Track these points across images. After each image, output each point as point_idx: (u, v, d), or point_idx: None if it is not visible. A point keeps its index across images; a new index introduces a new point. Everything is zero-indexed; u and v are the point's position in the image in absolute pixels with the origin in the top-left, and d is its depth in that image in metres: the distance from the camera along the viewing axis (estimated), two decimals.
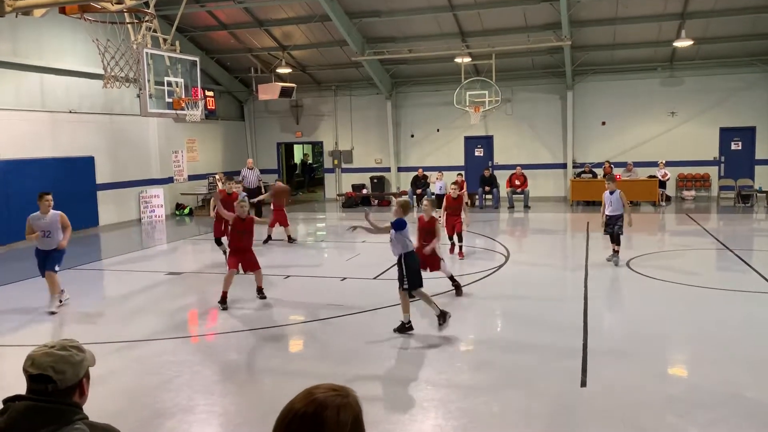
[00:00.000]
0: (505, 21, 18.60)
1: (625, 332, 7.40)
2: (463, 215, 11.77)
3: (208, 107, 20.85)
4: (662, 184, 19.87)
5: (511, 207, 19.93)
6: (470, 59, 19.99)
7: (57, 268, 8.58)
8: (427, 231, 8.87)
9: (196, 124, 18.96)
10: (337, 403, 1.64)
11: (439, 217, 11.12)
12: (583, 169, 20.71)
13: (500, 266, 11.13)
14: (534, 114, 21.88)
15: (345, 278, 10.43)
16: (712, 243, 13.09)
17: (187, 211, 20.33)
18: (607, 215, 10.86)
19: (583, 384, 5.74)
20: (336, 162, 24.24)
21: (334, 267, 12.00)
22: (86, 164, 16.70)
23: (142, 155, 19.11)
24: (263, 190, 20.43)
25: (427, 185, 20.92)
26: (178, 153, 20.75)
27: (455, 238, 11.92)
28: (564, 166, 21.71)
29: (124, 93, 15.84)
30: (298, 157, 31.29)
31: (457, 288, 9.03)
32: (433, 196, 18.00)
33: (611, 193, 10.79)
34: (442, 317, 7.23)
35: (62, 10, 9.61)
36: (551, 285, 9.92)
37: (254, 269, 8.97)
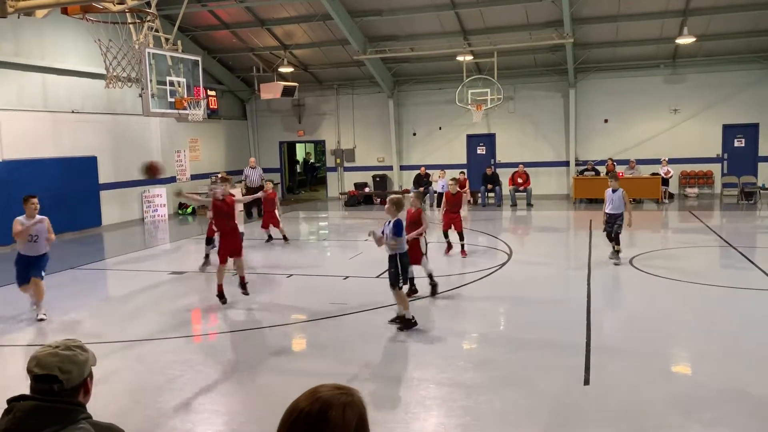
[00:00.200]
0: (507, 18, 18.57)
1: (628, 330, 7.39)
2: (462, 212, 11.74)
3: (211, 107, 20.85)
4: (665, 182, 19.82)
5: (514, 205, 19.91)
6: (472, 57, 19.97)
7: (43, 274, 8.38)
8: (414, 222, 8.81)
9: (198, 124, 18.98)
10: (342, 402, 1.64)
11: (440, 209, 11.22)
12: (585, 167, 20.68)
13: (503, 264, 11.12)
14: (536, 112, 21.85)
15: (347, 277, 10.44)
16: (715, 240, 13.06)
17: (189, 210, 20.35)
18: (607, 213, 10.85)
19: (587, 382, 5.74)
20: (338, 161, 24.25)
21: (337, 265, 12.00)
22: (89, 164, 16.73)
23: (145, 155, 19.07)
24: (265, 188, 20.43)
25: (430, 183, 20.92)
26: (180, 152, 20.76)
27: (456, 237, 11.89)
28: (566, 163, 21.69)
29: (126, 93, 15.85)
30: (300, 156, 31.28)
31: (434, 287, 8.84)
32: (435, 194, 18.02)
33: (614, 191, 10.78)
34: (405, 322, 7.33)
35: (64, 11, 9.62)
36: (554, 283, 9.91)
37: (237, 255, 9.03)
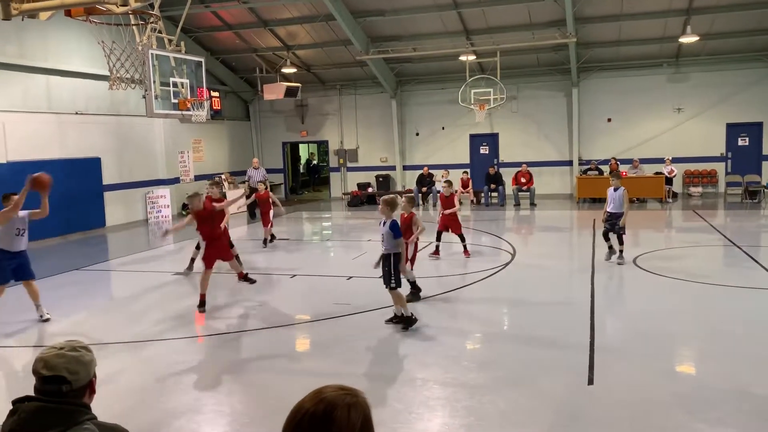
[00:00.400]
0: (510, 18, 18.55)
1: (631, 329, 7.38)
2: (460, 212, 11.54)
3: (214, 107, 20.88)
4: (669, 181, 19.78)
5: (517, 205, 19.90)
6: (475, 57, 19.96)
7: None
8: (407, 228, 8.79)
9: (201, 125, 18.98)
10: (346, 402, 1.65)
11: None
12: (589, 166, 20.66)
13: (506, 264, 11.11)
14: (539, 111, 21.82)
15: (351, 277, 10.45)
16: (719, 239, 13.03)
17: None
18: (608, 212, 10.83)
19: (590, 381, 5.74)
20: (341, 161, 24.26)
21: (341, 266, 12.01)
22: (93, 165, 16.78)
23: (149, 156, 19.18)
24: (269, 189, 20.41)
25: (433, 183, 20.91)
26: (184, 153, 20.80)
27: (457, 238, 11.82)
28: (570, 163, 21.66)
29: (129, 94, 15.87)
30: (304, 157, 31.30)
31: (414, 294, 8.64)
32: (439, 195, 17.93)
33: (615, 190, 10.76)
34: (406, 320, 7.35)
35: (68, 13, 9.64)
36: (557, 282, 9.90)
37: (228, 258, 9.03)
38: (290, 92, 20.87)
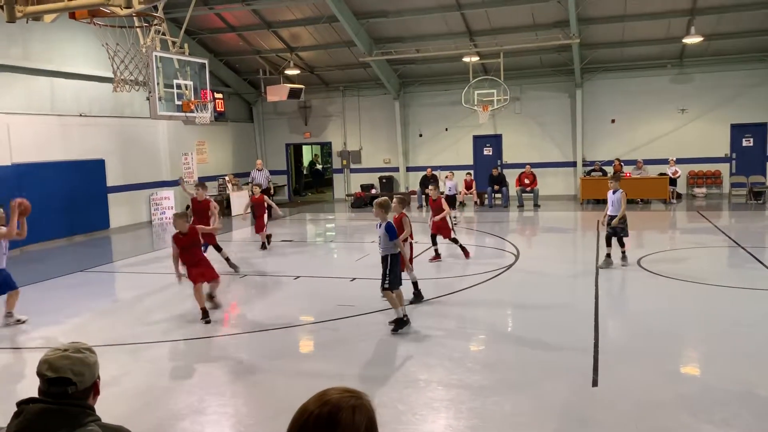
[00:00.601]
0: (513, 19, 18.55)
1: (636, 331, 7.36)
2: (442, 213, 11.31)
3: (217, 109, 20.94)
4: (673, 182, 19.74)
5: (521, 206, 19.87)
6: (478, 58, 19.95)
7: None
8: (398, 228, 8.78)
9: (205, 126, 19.07)
10: (351, 405, 1.65)
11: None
12: (593, 167, 20.62)
13: (510, 265, 11.10)
14: (543, 112, 21.81)
15: (354, 278, 10.45)
16: (723, 240, 12.99)
17: None
18: (608, 215, 10.80)
19: (595, 383, 5.72)
20: (345, 162, 24.28)
21: (344, 267, 12.01)
22: (97, 167, 16.83)
23: (152, 158, 19.22)
24: (272, 190, 20.52)
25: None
26: (187, 155, 20.83)
27: (447, 241, 11.68)
28: (573, 164, 21.63)
29: (133, 96, 15.94)
30: (307, 158, 31.33)
31: (416, 295, 8.70)
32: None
33: (614, 192, 10.73)
34: (397, 322, 7.35)
35: (72, 15, 9.67)
36: (561, 284, 9.88)
37: (212, 278, 8.59)
38: (293, 94, 20.90)
